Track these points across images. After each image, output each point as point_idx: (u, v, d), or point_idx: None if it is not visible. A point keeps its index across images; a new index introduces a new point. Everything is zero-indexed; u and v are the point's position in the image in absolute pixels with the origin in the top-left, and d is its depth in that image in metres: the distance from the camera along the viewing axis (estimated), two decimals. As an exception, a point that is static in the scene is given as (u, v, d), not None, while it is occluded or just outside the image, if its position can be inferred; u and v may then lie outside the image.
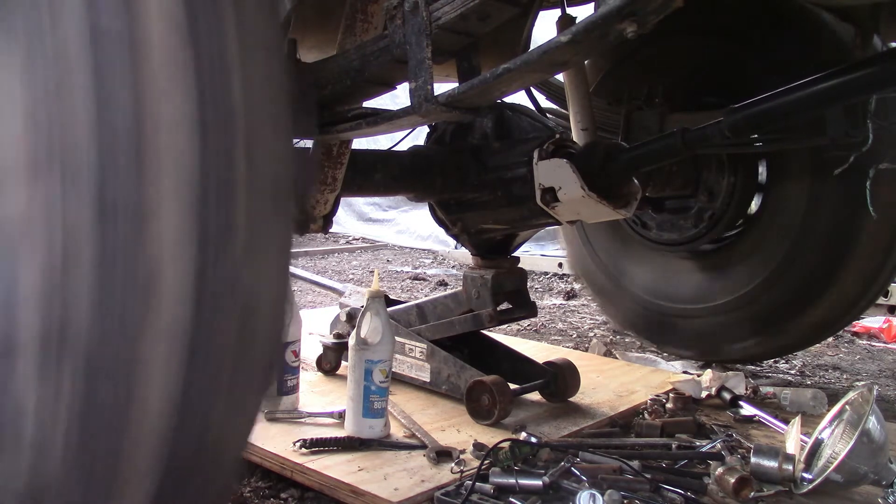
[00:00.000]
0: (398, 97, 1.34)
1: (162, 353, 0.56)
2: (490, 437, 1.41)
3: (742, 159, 2.04)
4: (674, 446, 1.42)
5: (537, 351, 2.16)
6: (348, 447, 1.35)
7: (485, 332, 1.78)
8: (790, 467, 1.25)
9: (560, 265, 4.33)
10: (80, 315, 0.53)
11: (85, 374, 0.53)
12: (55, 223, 0.52)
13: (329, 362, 1.86)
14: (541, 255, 4.59)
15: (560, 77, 1.92)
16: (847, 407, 1.36)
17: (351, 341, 1.46)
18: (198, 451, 0.62)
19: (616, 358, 2.26)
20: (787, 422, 1.51)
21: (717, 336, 2.15)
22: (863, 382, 2.23)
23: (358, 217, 6.31)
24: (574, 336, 2.87)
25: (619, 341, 2.73)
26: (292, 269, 0.69)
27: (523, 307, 1.72)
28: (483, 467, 1.24)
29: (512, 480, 1.19)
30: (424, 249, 5.62)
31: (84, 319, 0.53)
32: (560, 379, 1.66)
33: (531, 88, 1.89)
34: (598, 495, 1.09)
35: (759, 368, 2.36)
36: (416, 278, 4.39)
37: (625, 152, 1.53)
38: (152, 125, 0.54)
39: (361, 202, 6.16)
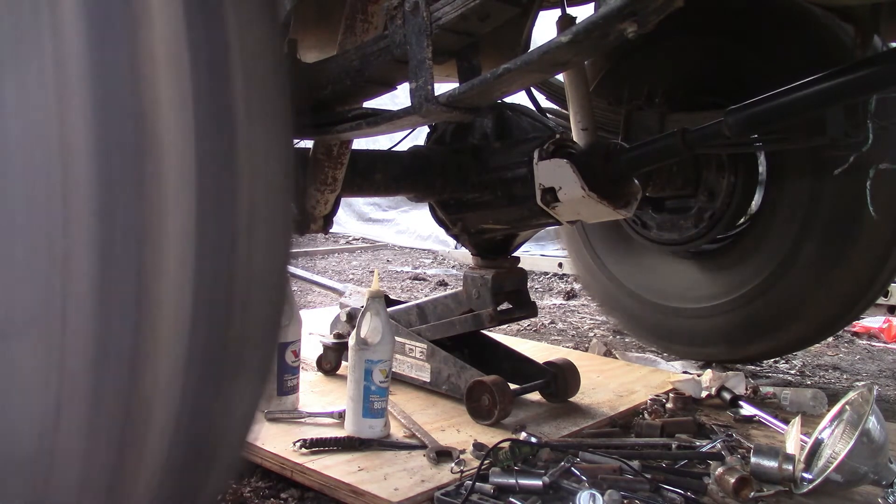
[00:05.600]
0: (398, 97, 1.34)
1: (162, 354, 0.56)
2: (490, 437, 1.41)
3: (742, 159, 2.04)
4: (674, 446, 1.42)
5: (537, 351, 2.16)
6: (348, 447, 1.35)
7: (485, 332, 1.78)
8: (790, 467, 1.25)
9: (560, 265, 4.32)
10: (80, 315, 0.53)
11: (86, 375, 0.53)
12: (56, 223, 0.52)
13: (329, 362, 1.86)
14: (541, 255, 4.59)
15: (560, 77, 1.92)
16: (847, 407, 1.36)
17: (351, 341, 1.46)
18: (198, 451, 0.62)
19: (616, 358, 2.26)
20: (787, 422, 1.51)
21: (716, 336, 2.15)
22: (863, 382, 2.23)
23: (358, 217, 6.31)
24: (574, 336, 2.87)
25: (619, 341, 2.73)
26: (292, 269, 0.69)
27: (523, 307, 1.72)
28: (483, 467, 1.24)
29: (512, 480, 1.19)
30: (424, 249, 5.62)
31: (84, 319, 0.53)
32: (560, 379, 1.66)
33: (531, 88, 1.89)
34: (598, 495, 1.09)
35: (759, 368, 2.36)
36: (416, 278, 4.39)
37: (625, 152, 1.53)
38: (152, 126, 0.54)
39: (361, 202, 6.16)
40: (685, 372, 2.09)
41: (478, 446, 1.35)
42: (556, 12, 1.61)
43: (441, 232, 1.84)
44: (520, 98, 1.72)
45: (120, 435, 0.55)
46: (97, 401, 0.54)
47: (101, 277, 0.53)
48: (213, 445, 0.63)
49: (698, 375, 1.82)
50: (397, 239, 5.92)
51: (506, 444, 1.29)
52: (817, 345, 2.56)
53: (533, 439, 1.37)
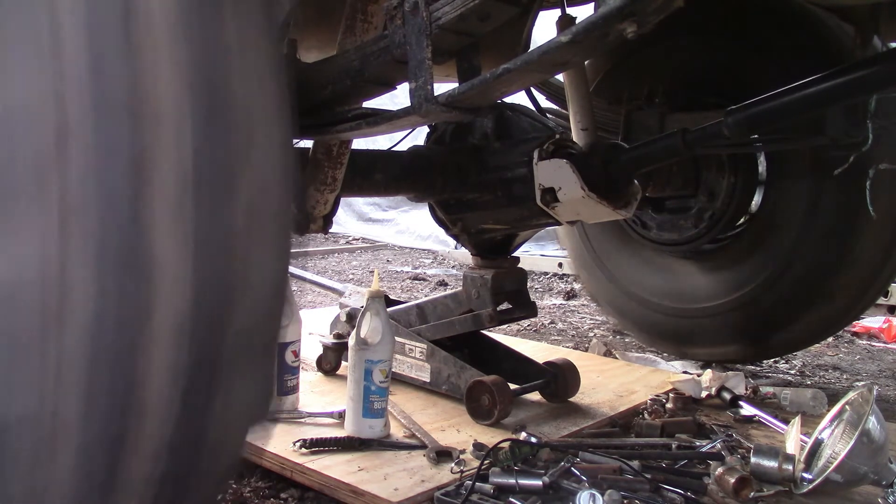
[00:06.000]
0: (398, 97, 1.34)
1: (161, 353, 0.56)
2: (490, 437, 1.41)
3: (742, 159, 2.04)
4: (674, 446, 1.42)
5: (537, 351, 2.16)
6: (348, 447, 1.35)
7: (485, 332, 1.78)
8: (790, 467, 1.25)
9: (560, 265, 4.33)
10: (79, 314, 0.53)
11: (85, 374, 0.53)
12: (52, 228, 0.52)
13: (329, 362, 1.86)
14: (541, 255, 4.59)
15: (560, 77, 1.92)
16: (847, 407, 1.36)
17: (351, 341, 1.46)
18: (198, 451, 0.62)
19: (616, 358, 2.26)
20: (787, 422, 1.51)
21: (716, 336, 2.15)
22: (863, 382, 2.23)
23: (358, 217, 6.31)
24: (574, 336, 2.87)
25: (619, 341, 2.73)
26: (292, 269, 0.69)
27: (523, 307, 1.72)
28: (483, 467, 1.24)
29: (512, 480, 1.19)
30: (424, 249, 5.62)
31: (83, 318, 0.53)
32: (560, 379, 1.66)
33: (531, 88, 1.89)
34: (598, 495, 1.09)
35: (759, 368, 2.36)
36: (416, 278, 4.39)
37: (625, 152, 1.53)
38: (152, 125, 0.54)
39: (361, 202, 6.16)
40: (685, 372, 2.09)
41: (478, 446, 1.35)
42: (556, 12, 1.61)
43: (441, 232, 1.84)
44: (520, 98, 1.72)
45: (117, 436, 0.55)
46: (93, 401, 0.54)
47: (99, 276, 0.53)
48: (212, 448, 0.63)
49: (698, 375, 1.82)
50: (397, 239, 5.92)
51: (506, 444, 1.29)
52: (817, 345, 2.56)
53: (533, 439, 1.37)
